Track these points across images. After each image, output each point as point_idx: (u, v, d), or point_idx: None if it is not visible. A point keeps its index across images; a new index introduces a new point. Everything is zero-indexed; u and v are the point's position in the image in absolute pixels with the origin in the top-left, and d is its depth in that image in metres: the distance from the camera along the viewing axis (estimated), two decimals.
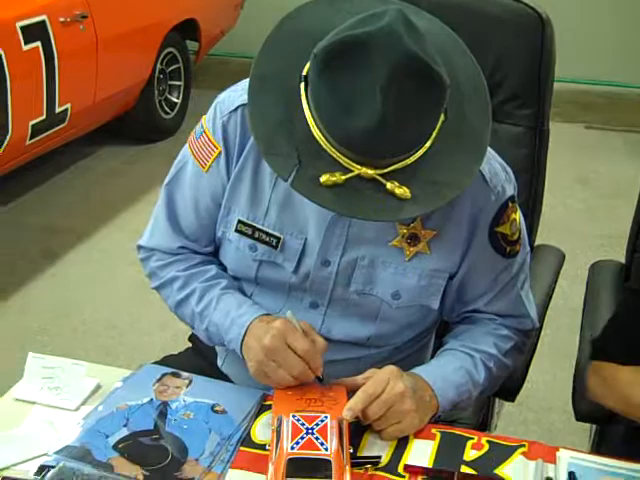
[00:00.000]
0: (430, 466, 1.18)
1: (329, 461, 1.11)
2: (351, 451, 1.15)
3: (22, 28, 3.32)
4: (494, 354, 1.39)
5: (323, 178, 1.15)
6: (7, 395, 1.31)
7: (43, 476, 1.13)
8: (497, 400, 1.74)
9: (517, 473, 1.16)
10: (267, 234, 1.36)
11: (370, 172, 1.15)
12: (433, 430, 1.25)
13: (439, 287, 1.37)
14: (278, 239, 1.36)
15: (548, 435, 2.43)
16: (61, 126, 3.74)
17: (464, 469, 1.17)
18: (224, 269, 1.46)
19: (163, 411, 1.27)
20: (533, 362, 1.61)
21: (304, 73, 1.18)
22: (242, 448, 1.20)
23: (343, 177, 1.15)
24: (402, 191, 1.15)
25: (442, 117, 1.18)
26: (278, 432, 1.16)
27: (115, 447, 1.18)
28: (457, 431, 1.26)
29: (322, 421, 1.17)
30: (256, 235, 1.37)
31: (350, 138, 1.13)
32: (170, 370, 1.37)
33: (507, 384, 1.48)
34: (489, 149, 1.27)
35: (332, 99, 1.12)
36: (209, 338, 1.42)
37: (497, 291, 1.40)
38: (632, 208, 1.81)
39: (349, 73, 1.11)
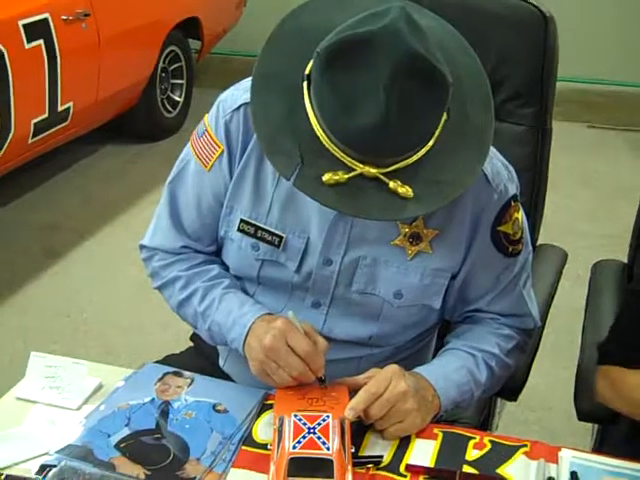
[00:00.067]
0: (432, 466, 1.18)
1: (331, 461, 1.10)
2: (353, 450, 1.15)
3: (24, 26, 3.32)
4: (496, 353, 1.39)
5: (326, 177, 1.15)
6: (9, 394, 1.31)
7: (44, 475, 1.13)
8: (499, 400, 1.73)
9: (519, 473, 1.16)
10: (270, 233, 1.36)
11: (373, 171, 1.15)
12: (435, 430, 1.25)
13: (441, 286, 1.36)
14: (281, 238, 1.36)
15: (549, 435, 2.42)
16: (63, 124, 3.74)
17: (466, 469, 1.17)
18: (226, 268, 1.45)
19: (165, 410, 1.26)
20: (534, 362, 1.61)
21: (307, 72, 1.18)
22: (244, 447, 1.20)
23: (346, 176, 1.15)
24: (405, 190, 1.15)
25: (445, 116, 1.18)
26: (280, 431, 1.16)
27: (117, 446, 1.18)
28: (459, 431, 1.26)
29: (324, 420, 1.17)
30: (258, 234, 1.37)
31: (353, 137, 1.13)
32: (172, 369, 1.37)
33: (509, 383, 1.48)
34: (491, 148, 1.26)
35: (335, 98, 1.12)
36: (211, 338, 1.41)
37: (499, 290, 1.39)
38: (634, 207, 1.81)
39: (352, 72, 1.10)
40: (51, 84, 3.51)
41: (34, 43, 3.37)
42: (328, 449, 1.12)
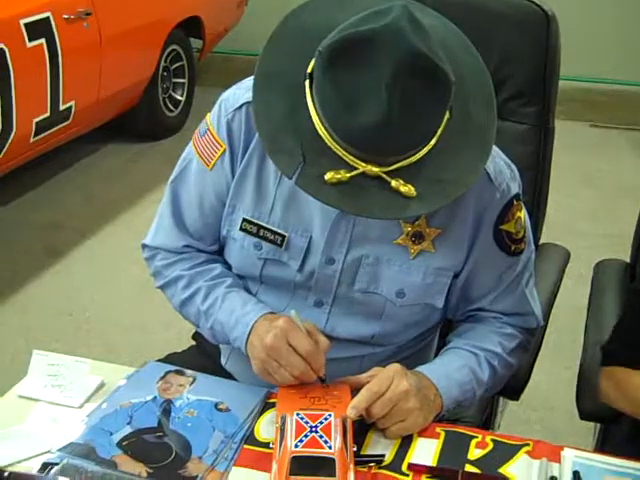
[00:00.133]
0: (434, 465, 1.18)
1: (333, 459, 1.10)
2: (355, 449, 1.15)
3: (26, 25, 3.32)
4: (499, 353, 1.38)
5: (328, 176, 1.14)
6: (11, 392, 1.31)
7: (47, 473, 1.13)
8: (501, 399, 1.73)
9: (521, 472, 1.16)
10: (272, 232, 1.36)
11: (375, 170, 1.15)
12: (437, 429, 1.25)
13: (444, 285, 1.36)
14: (283, 237, 1.36)
15: (551, 435, 2.42)
16: (65, 123, 3.74)
17: (468, 468, 1.17)
18: (229, 268, 1.45)
19: (167, 409, 1.26)
20: (536, 361, 1.61)
21: (309, 70, 1.18)
22: (246, 446, 1.20)
23: (348, 175, 1.15)
24: (407, 189, 1.15)
25: (447, 115, 1.18)
26: (282, 430, 1.16)
27: (119, 444, 1.18)
28: (461, 430, 1.26)
29: (326, 419, 1.17)
30: (261, 233, 1.37)
31: (355, 135, 1.12)
32: (174, 368, 1.37)
33: (511, 383, 1.47)
34: (494, 147, 1.26)
35: (337, 96, 1.12)
36: (214, 336, 1.41)
37: (502, 289, 1.39)
38: (636, 206, 1.80)
39: (354, 70, 1.10)
40: (53, 83, 3.51)
41: (36, 42, 3.37)
42: (330, 448, 1.12)
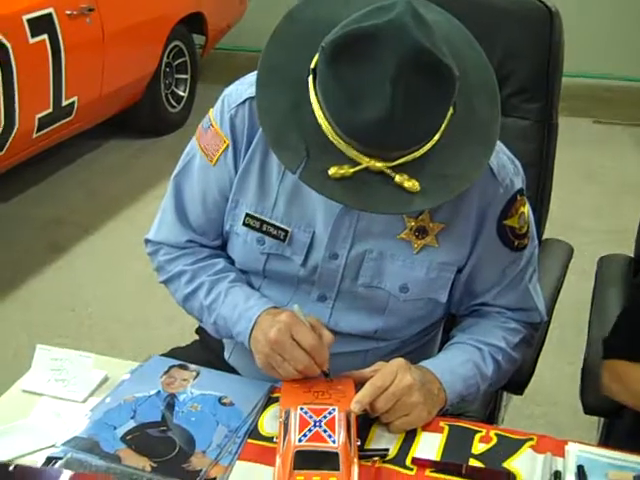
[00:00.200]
0: (438, 459, 1.18)
1: (337, 454, 1.10)
2: (359, 444, 1.15)
3: (29, 21, 3.32)
4: (502, 347, 1.38)
5: (331, 171, 1.15)
6: (15, 387, 1.32)
7: (51, 467, 1.13)
8: (505, 393, 1.73)
9: (525, 466, 1.16)
10: (275, 227, 1.36)
11: (378, 165, 1.15)
12: (441, 423, 1.25)
13: (447, 280, 1.36)
14: (286, 232, 1.36)
15: (554, 429, 2.42)
16: (67, 119, 3.75)
17: (472, 462, 1.17)
18: (232, 262, 1.45)
19: (170, 403, 1.27)
20: (540, 356, 1.61)
21: (312, 66, 1.18)
22: (249, 440, 1.20)
23: (351, 170, 1.15)
24: (411, 184, 1.15)
25: (451, 110, 1.17)
26: (286, 424, 1.16)
27: (123, 439, 1.19)
28: (465, 424, 1.26)
29: (330, 414, 1.17)
30: (264, 228, 1.37)
31: (358, 130, 1.12)
32: (177, 362, 1.37)
33: (515, 377, 1.47)
34: (497, 142, 1.26)
35: (340, 91, 1.12)
36: (217, 331, 1.41)
37: (505, 284, 1.39)
38: (639, 202, 1.80)
39: (357, 66, 1.10)
40: (55, 79, 3.52)
41: (38, 38, 3.38)
42: (334, 442, 1.12)
